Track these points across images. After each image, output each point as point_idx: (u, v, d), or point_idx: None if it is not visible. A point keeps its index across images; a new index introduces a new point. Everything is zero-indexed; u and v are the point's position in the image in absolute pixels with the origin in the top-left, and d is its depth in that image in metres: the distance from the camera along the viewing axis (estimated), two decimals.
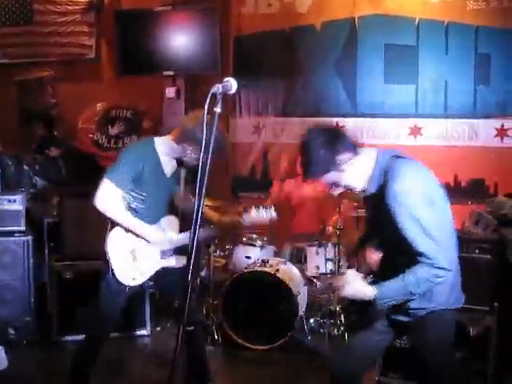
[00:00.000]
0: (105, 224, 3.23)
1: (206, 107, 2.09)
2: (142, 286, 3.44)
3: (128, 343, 4.75)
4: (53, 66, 7.22)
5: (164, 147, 3.24)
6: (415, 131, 5.91)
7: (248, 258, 5.11)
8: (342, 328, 4.71)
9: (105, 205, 3.12)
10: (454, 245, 2.48)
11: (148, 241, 3.23)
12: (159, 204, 3.30)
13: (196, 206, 2.09)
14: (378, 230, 2.61)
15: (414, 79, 5.94)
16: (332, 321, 4.79)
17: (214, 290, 4.82)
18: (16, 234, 4.68)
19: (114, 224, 3.19)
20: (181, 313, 2.13)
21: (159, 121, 6.71)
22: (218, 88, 2.11)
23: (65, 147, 6.52)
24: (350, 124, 6.19)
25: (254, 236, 5.25)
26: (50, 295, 4.80)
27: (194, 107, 4.98)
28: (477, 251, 3.82)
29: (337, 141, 2.43)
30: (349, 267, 5.10)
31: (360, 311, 2.65)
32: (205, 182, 2.08)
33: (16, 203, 4.68)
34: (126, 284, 3.20)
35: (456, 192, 5.45)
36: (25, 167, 5.71)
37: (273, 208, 3.47)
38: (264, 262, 4.85)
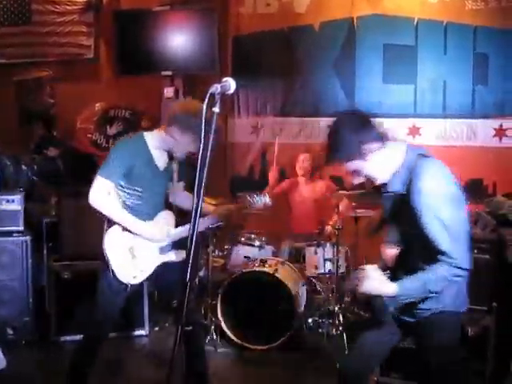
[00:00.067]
0: (103, 224, 3.23)
1: (205, 107, 2.09)
2: (140, 285, 3.45)
3: (126, 343, 4.75)
4: (51, 65, 7.22)
5: (154, 141, 3.25)
6: (414, 131, 5.91)
7: (247, 257, 5.11)
8: (340, 328, 4.71)
9: (99, 201, 3.12)
10: (469, 245, 2.48)
11: (144, 237, 3.22)
12: (155, 199, 3.30)
13: (195, 205, 2.09)
14: (396, 226, 2.59)
15: (413, 79, 5.94)
16: (330, 320, 4.80)
17: (213, 290, 4.81)
18: (14, 234, 4.68)
19: (110, 223, 3.18)
20: (179, 312, 2.13)
21: (158, 121, 6.67)
22: (216, 88, 2.11)
23: (63, 147, 6.51)
24: None
25: (253, 236, 5.26)
26: (48, 295, 4.80)
27: None
28: (475, 251, 3.80)
29: (365, 130, 2.41)
30: (347, 267, 5.12)
31: (372, 308, 2.63)
32: (204, 179, 2.08)
33: (14, 203, 4.68)
34: (127, 283, 3.20)
35: None
36: (23, 167, 5.70)
37: (267, 195, 3.47)
38: (263, 262, 4.85)
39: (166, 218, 3.35)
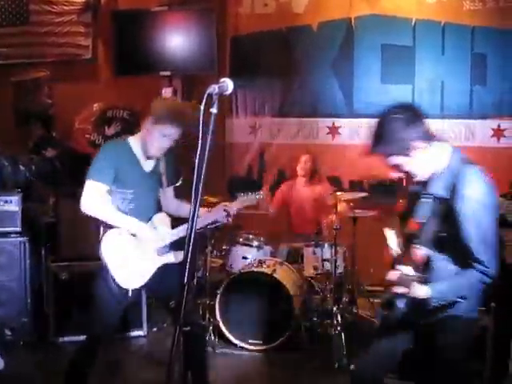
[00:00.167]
0: (98, 231, 3.21)
1: (203, 108, 2.08)
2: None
3: (124, 344, 4.75)
4: (49, 66, 7.21)
5: (137, 143, 3.27)
6: None
7: (245, 258, 5.10)
8: (338, 328, 4.70)
9: (92, 206, 3.10)
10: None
11: (141, 238, 3.21)
12: (147, 202, 3.29)
13: (193, 205, 2.08)
14: (430, 227, 2.54)
15: (411, 79, 5.96)
16: (329, 321, 4.79)
17: (211, 291, 4.81)
18: (12, 235, 4.68)
19: (105, 230, 3.17)
20: (177, 313, 2.13)
21: None
22: (214, 88, 2.10)
23: (61, 148, 6.50)
24: (346, 124, 6.20)
25: (251, 236, 5.25)
26: (46, 296, 4.80)
27: None
28: None
29: (414, 127, 2.40)
30: (345, 267, 5.11)
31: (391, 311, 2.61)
32: (201, 183, 2.07)
33: (12, 204, 4.68)
34: (128, 288, 3.19)
35: None
36: (21, 168, 5.69)
37: (261, 192, 3.47)
38: (261, 263, 4.85)
39: (161, 219, 3.35)
